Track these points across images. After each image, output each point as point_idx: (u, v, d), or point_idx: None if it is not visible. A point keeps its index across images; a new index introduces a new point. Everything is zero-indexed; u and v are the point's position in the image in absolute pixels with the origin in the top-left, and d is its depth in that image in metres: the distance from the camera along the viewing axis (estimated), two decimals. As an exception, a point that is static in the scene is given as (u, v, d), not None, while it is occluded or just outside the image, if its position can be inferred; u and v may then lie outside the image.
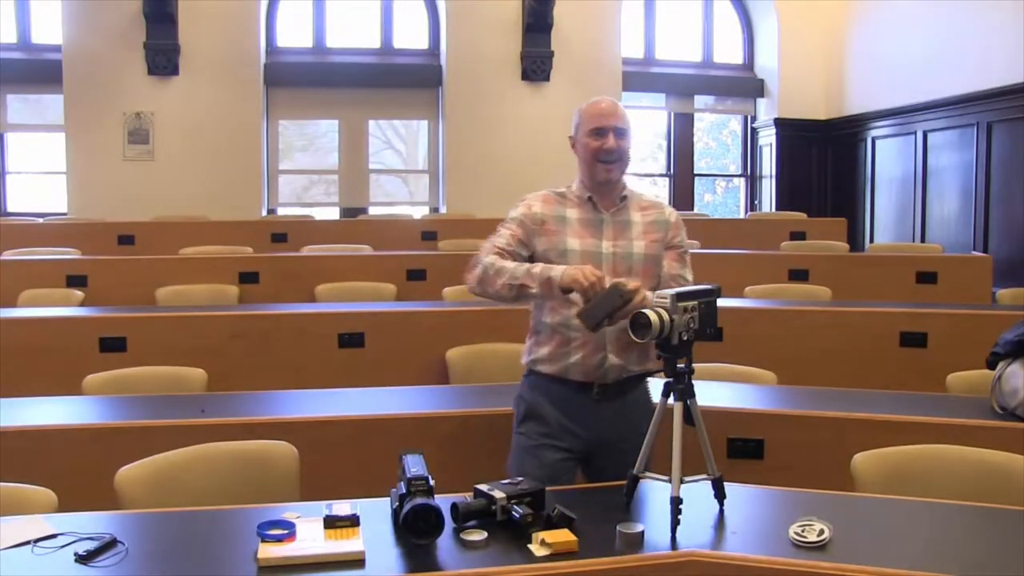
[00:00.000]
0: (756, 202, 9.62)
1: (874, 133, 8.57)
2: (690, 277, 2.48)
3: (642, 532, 1.73)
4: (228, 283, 5.17)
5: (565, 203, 2.41)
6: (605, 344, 2.29)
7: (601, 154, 2.36)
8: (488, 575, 1.61)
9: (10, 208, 8.47)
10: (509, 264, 2.28)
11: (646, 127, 10.13)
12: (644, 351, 2.31)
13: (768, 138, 9.36)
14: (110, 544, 1.68)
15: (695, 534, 1.78)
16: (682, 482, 1.80)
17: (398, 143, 9.30)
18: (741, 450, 2.83)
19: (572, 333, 2.30)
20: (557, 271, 2.18)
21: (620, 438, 2.24)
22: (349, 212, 8.64)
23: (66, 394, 3.06)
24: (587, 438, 2.30)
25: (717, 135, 11.58)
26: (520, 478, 1.89)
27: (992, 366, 2.83)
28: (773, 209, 9.06)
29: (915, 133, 7.94)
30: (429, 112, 8.88)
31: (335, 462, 2.61)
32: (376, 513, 1.81)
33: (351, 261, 5.72)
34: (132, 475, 2.09)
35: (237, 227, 6.74)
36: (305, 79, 8.64)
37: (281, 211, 8.67)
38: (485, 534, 1.71)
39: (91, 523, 1.78)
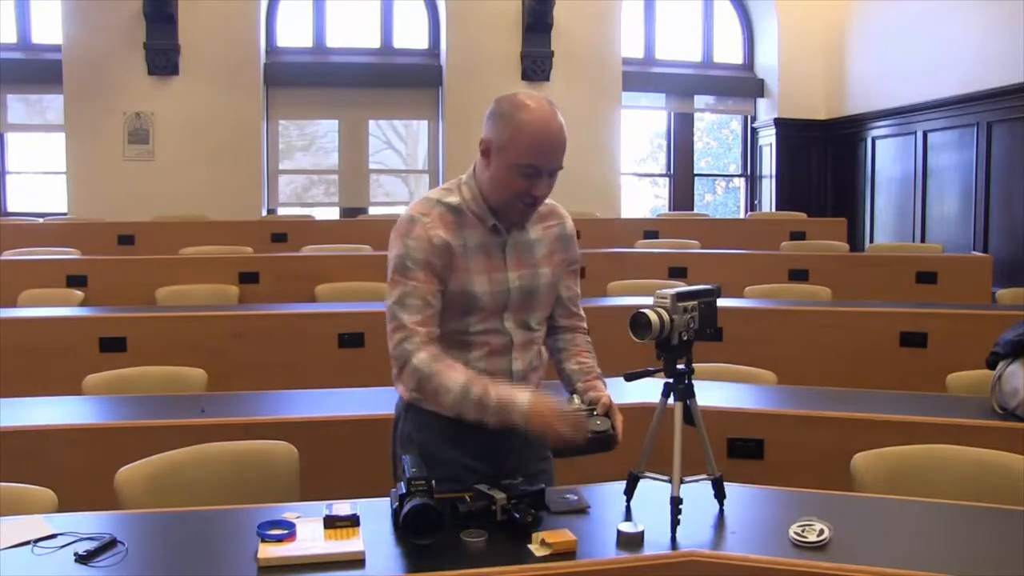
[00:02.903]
0: (756, 202, 9.62)
1: (874, 133, 8.57)
2: (580, 292, 2.16)
3: (642, 532, 1.73)
4: (228, 283, 5.16)
5: (463, 223, 1.95)
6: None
7: (527, 198, 1.91)
8: (488, 575, 1.61)
9: (10, 208, 8.47)
10: (447, 381, 1.86)
11: (646, 127, 10.13)
12: (540, 374, 2.10)
13: (768, 138, 9.36)
14: (110, 544, 1.67)
15: (695, 534, 1.77)
16: (682, 482, 1.80)
17: (398, 143, 9.30)
18: (741, 450, 2.83)
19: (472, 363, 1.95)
20: (518, 411, 1.82)
21: (531, 463, 2.00)
22: (349, 212, 8.64)
23: (66, 394, 3.06)
24: (493, 473, 1.91)
25: (717, 135, 11.59)
26: (520, 478, 1.88)
27: (992, 366, 2.83)
28: (773, 209, 9.06)
29: (915, 133, 7.94)
30: (429, 112, 8.88)
31: (335, 462, 2.61)
32: (376, 513, 1.81)
33: (351, 261, 5.72)
34: (132, 475, 2.09)
35: (237, 227, 6.74)
36: (305, 79, 8.64)
37: (281, 211, 8.68)
38: (485, 534, 1.71)
39: (91, 523, 1.78)
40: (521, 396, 1.86)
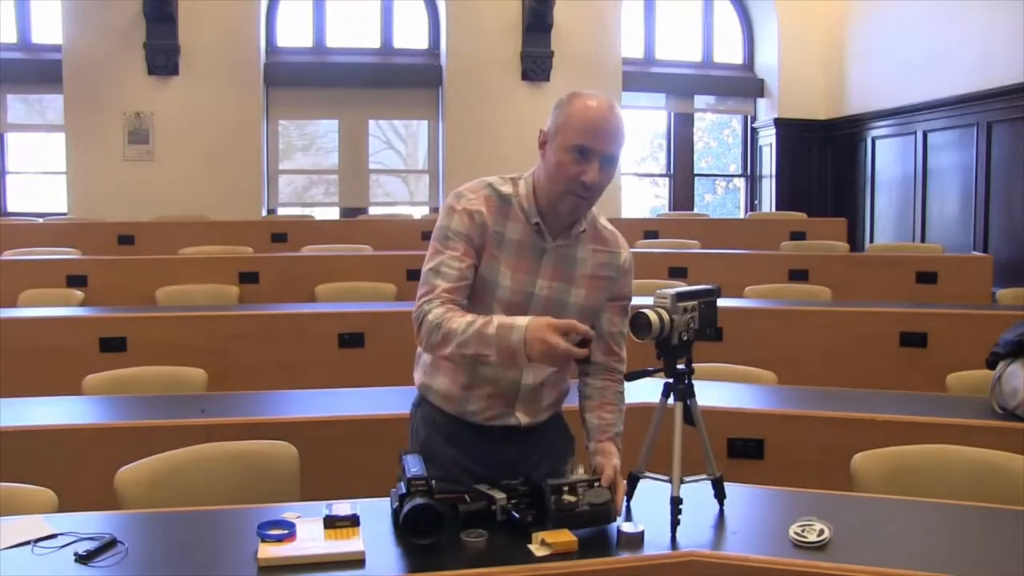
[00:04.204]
0: (756, 202, 9.62)
1: (874, 133, 8.57)
2: (627, 332, 1.99)
3: (642, 532, 1.73)
4: (228, 283, 5.16)
5: (507, 215, 1.93)
6: (515, 403, 1.98)
7: (577, 186, 1.86)
8: (488, 575, 1.61)
9: (10, 208, 8.47)
10: (454, 323, 1.81)
11: (646, 127, 10.13)
12: (557, 399, 2.06)
13: (768, 138, 9.36)
14: (110, 544, 1.67)
15: (695, 534, 1.78)
16: (682, 482, 1.80)
17: (398, 143, 9.30)
18: (741, 450, 2.83)
19: (478, 378, 1.94)
20: (517, 334, 1.74)
21: (530, 473, 1.92)
22: (349, 212, 8.64)
23: (66, 394, 3.06)
24: (490, 476, 1.89)
25: (717, 135, 11.59)
26: (520, 478, 1.88)
27: (992, 366, 2.83)
28: (773, 209, 9.06)
29: (915, 133, 7.94)
30: (429, 112, 8.88)
31: (335, 462, 2.61)
32: (376, 513, 1.81)
33: (351, 261, 5.72)
34: (132, 475, 2.09)
35: (237, 227, 6.74)
36: (305, 79, 8.64)
37: (281, 211, 8.68)
38: (485, 534, 1.71)
39: (91, 523, 1.78)
40: (521, 318, 1.79)
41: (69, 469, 2.51)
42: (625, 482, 1.90)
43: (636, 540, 1.72)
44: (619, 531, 1.74)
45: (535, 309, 1.92)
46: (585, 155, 1.84)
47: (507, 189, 1.95)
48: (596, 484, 1.81)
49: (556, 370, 2.00)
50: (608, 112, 1.87)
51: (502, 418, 1.98)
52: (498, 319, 1.80)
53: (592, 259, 1.99)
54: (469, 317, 1.82)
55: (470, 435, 1.98)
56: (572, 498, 1.77)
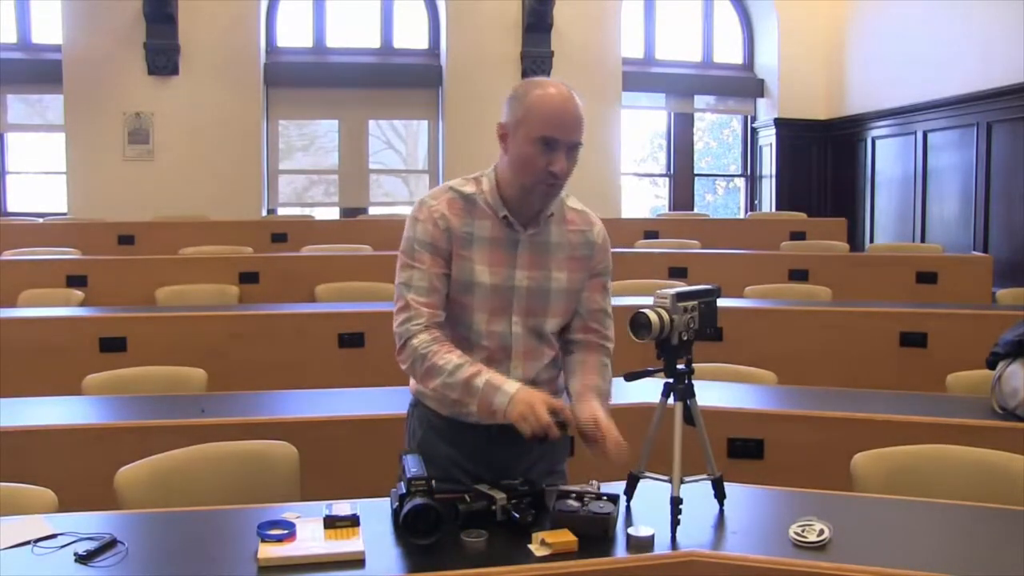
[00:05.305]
0: (756, 202, 9.63)
1: (874, 133, 8.57)
2: (610, 310, 2.06)
3: (652, 536, 1.72)
4: (228, 283, 5.17)
5: (474, 213, 1.93)
6: None
7: (547, 176, 1.86)
8: (488, 575, 1.61)
9: (10, 208, 8.47)
10: (440, 360, 1.85)
11: (646, 127, 10.13)
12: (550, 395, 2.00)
13: (768, 138, 9.36)
14: (110, 544, 1.67)
15: (695, 534, 1.77)
16: (682, 482, 1.80)
17: (398, 143, 9.30)
18: (741, 450, 2.83)
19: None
20: (502, 399, 1.79)
21: (527, 472, 1.95)
22: (349, 212, 8.64)
23: (66, 394, 3.06)
24: (488, 476, 1.91)
25: (717, 135, 11.60)
26: (520, 478, 1.88)
27: (992, 366, 2.83)
28: (773, 209, 9.06)
29: (915, 133, 7.94)
30: (429, 112, 8.88)
31: (335, 462, 2.61)
32: (376, 513, 1.81)
33: (351, 261, 5.72)
34: (132, 475, 2.09)
35: (237, 227, 6.74)
36: (305, 79, 8.64)
37: (281, 211, 8.68)
38: (485, 534, 1.71)
39: (91, 523, 1.78)
40: (510, 384, 1.82)
41: (69, 469, 2.51)
42: (609, 423, 1.85)
43: (647, 543, 1.71)
44: (628, 534, 1.73)
45: (518, 302, 1.94)
46: (551, 146, 1.85)
47: (470, 189, 1.96)
48: (604, 497, 1.81)
49: (547, 368, 2.01)
50: (569, 100, 1.87)
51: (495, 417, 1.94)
52: (487, 374, 1.84)
53: (567, 240, 1.99)
54: (456, 358, 1.86)
55: (466, 435, 1.98)
56: (576, 503, 1.78)
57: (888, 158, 8.41)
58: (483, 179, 1.98)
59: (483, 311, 1.94)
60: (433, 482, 1.72)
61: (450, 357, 1.86)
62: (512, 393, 1.80)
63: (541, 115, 1.85)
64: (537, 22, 8.42)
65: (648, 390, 2.47)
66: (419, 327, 1.89)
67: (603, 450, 1.83)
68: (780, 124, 9.17)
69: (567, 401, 1.97)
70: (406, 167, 9.27)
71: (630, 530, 1.74)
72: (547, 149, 1.85)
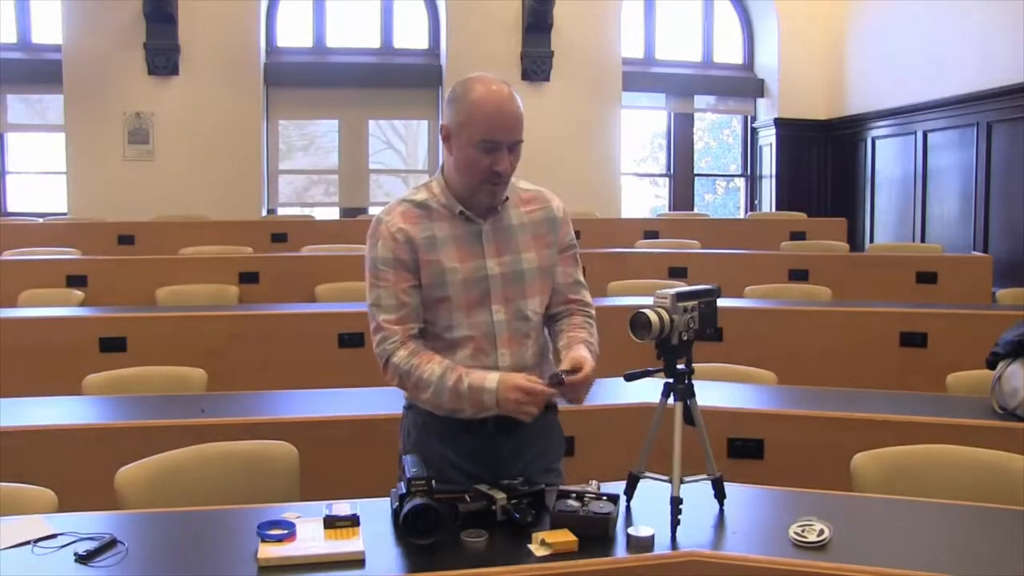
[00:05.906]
0: (756, 202, 9.63)
1: (874, 133, 8.57)
2: (583, 279, 2.12)
3: (652, 536, 1.73)
4: (228, 283, 5.16)
5: (431, 217, 1.96)
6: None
7: (492, 176, 1.91)
8: (488, 575, 1.61)
9: (10, 208, 8.47)
10: (424, 372, 1.90)
11: (646, 127, 10.13)
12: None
13: (768, 138, 9.36)
14: (110, 544, 1.67)
15: (695, 534, 1.77)
16: (682, 482, 1.80)
17: (398, 143, 9.30)
18: (741, 450, 2.83)
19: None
20: (489, 398, 1.85)
21: (523, 471, 1.96)
22: (349, 212, 8.64)
23: (66, 394, 3.06)
24: (484, 474, 1.92)
25: (718, 135, 11.60)
26: (520, 478, 1.88)
27: (992, 366, 2.83)
28: (773, 209, 9.06)
29: (915, 133, 7.94)
30: (429, 112, 8.88)
31: (335, 462, 2.61)
32: (376, 513, 1.81)
33: (351, 261, 5.71)
34: (132, 475, 2.09)
35: (237, 227, 6.74)
36: (305, 79, 8.64)
37: (281, 211, 8.68)
38: (485, 534, 1.71)
39: (91, 523, 1.78)
40: (490, 379, 1.87)
41: (69, 469, 2.51)
42: (590, 364, 1.90)
43: (647, 544, 1.71)
44: (629, 535, 1.73)
45: (495, 289, 1.97)
46: (494, 147, 1.89)
47: (421, 196, 2.00)
48: (604, 497, 1.81)
49: (534, 354, 2.04)
50: (507, 101, 1.91)
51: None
52: (468, 376, 1.88)
53: (528, 220, 2.03)
54: (437, 367, 1.90)
55: (461, 433, 1.98)
56: (576, 503, 1.78)
57: (888, 158, 8.41)
58: (432, 183, 2.02)
59: (461, 306, 1.96)
60: (433, 482, 1.72)
61: (431, 368, 1.90)
62: (495, 389, 1.85)
63: (481, 118, 1.89)
64: (537, 22, 8.42)
65: (648, 390, 2.48)
66: (395, 345, 1.93)
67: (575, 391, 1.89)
68: (780, 124, 9.17)
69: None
70: (406, 167, 9.27)
71: (630, 530, 1.74)
72: (490, 150, 1.89)
